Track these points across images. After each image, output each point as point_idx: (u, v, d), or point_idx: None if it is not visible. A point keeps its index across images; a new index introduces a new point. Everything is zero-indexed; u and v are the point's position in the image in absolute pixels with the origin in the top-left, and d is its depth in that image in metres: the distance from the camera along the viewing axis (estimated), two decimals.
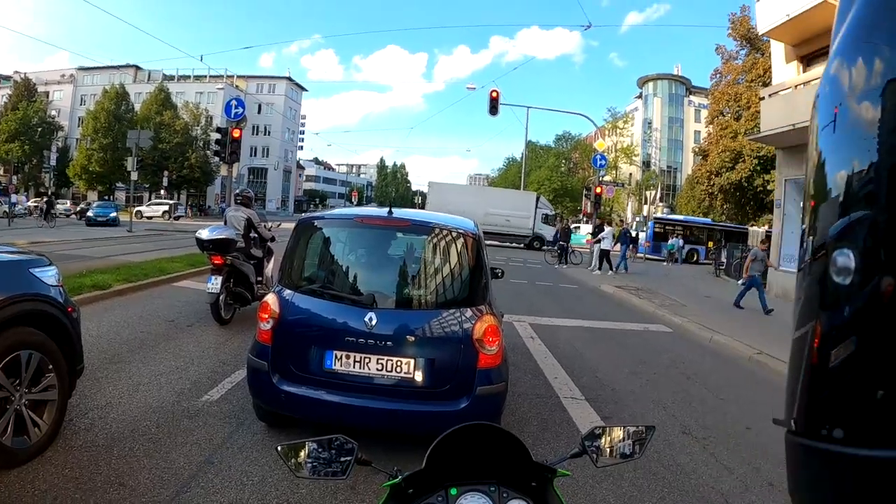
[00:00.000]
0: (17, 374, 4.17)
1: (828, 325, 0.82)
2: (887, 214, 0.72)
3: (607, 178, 48.13)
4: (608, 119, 66.50)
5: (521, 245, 41.90)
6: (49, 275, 4.72)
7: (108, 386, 5.95)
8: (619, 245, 25.69)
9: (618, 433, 1.73)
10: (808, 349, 0.86)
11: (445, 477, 1.54)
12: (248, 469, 4.40)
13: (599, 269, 23.96)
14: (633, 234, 34.96)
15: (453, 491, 1.50)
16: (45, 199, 43.27)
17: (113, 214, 37.37)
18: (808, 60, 19.24)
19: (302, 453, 1.60)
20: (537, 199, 44.78)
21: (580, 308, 14.45)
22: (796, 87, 17.80)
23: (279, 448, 1.61)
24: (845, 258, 0.75)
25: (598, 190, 28.71)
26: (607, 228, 24.88)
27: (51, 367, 4.46)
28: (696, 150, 51.77)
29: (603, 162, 31.70)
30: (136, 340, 7.82)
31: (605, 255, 24.28)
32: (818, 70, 17.48)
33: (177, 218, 49.76)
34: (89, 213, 40.21)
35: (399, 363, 4.50)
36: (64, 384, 4.62)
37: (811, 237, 0.85)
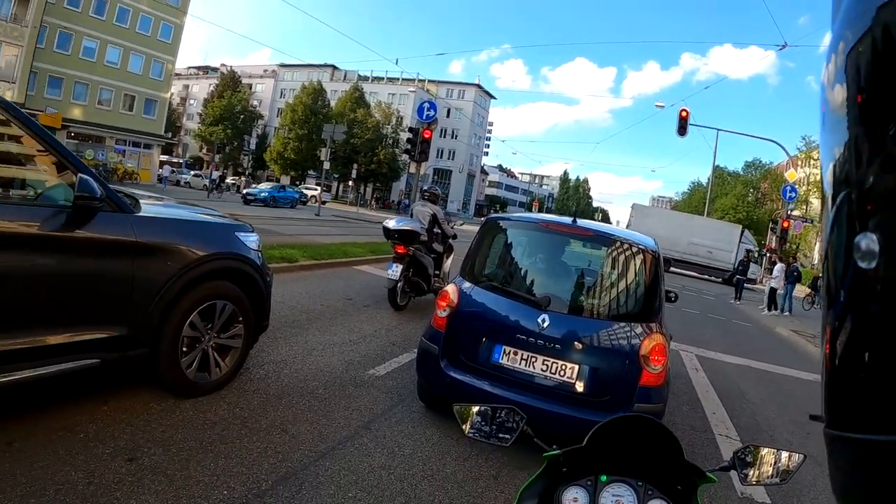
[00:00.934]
0: (210, 320, 4.75)
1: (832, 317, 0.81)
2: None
3: (796, 212, 44.87)
4: (802, 148, 60.85)
5: (720, 280, 39.79)
6: (251, 240, 5.30)
7: (284, 346, 6.51)
8: (784, 283, 23.62)
9: (769, 455, 1.69)
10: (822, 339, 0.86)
11: (599, 463, 1.59)
12: (401, 441, 4.64)
13: (768, 309, 22.38)
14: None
15: (603, 478, 1.55)
16: (242, 177, 48.59)
17: (263, 195, 39.95)
18: None
19: (474, 414, 1.74)
20: (741, 232, 42.39)
21: (750, 347, 13.60)
22: None
23: (456, 406, 1.76)
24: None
25: (785, 224, 27.05)
26: (779, 265, 23.09)
27: (240, 318, 5.02)
28: None
29: (793, 194, 29.82)
30: (315, 311, 8.44)
31: (773, 293, 22.70)
32: None
33: (323, 202, 52.89)
34: (245, 191, 43.76)
35: (563, 367, 4.54)
36: (249, 336, 5.18)
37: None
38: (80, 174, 3.68)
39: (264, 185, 46.40)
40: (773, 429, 7.19)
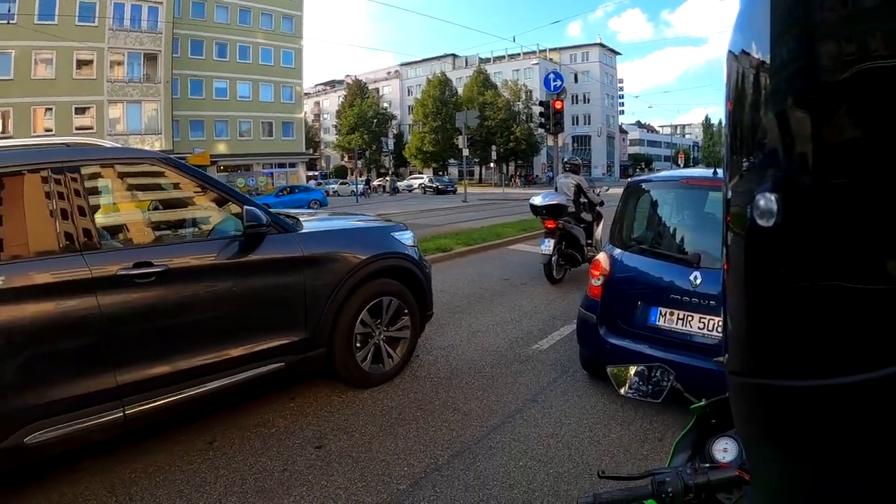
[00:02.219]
0: (379, 315, 5.20)
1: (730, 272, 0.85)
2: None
3: None
4: None
5: None
6: (406, 237, 5.69)
7: (450, 331, 6.86)
8: None
9: None
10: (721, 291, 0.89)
11: None
12: (568, 410, 4.78)
13: None
14: None
15: None
16: (387, 178, 51.42)
17: (399, 183, 40.63)
18: None
19: (628, 374, 1.88)
20: None
21: None
22: None
23: (610, 368, 1.90)
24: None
25: None
26: None
27: (406, 311, 5.42)
28: None
29: None
30: (475, 295, 8.75)
31: None
32: None
33: (394, 191, 54.95)
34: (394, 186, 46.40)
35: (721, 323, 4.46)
36: (416, 325, 5.56)
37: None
38: (245, 206, 4.23)
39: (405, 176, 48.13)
40: None
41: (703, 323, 4.50)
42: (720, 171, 5.01)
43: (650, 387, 1.81)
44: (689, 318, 4.54)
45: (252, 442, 4.19)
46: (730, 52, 0.77)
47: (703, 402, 1.65)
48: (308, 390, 5.07)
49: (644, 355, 4.59)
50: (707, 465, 1.42)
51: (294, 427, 4.42)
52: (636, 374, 1.84)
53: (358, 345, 5.02)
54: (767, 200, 0.69)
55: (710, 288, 4.47)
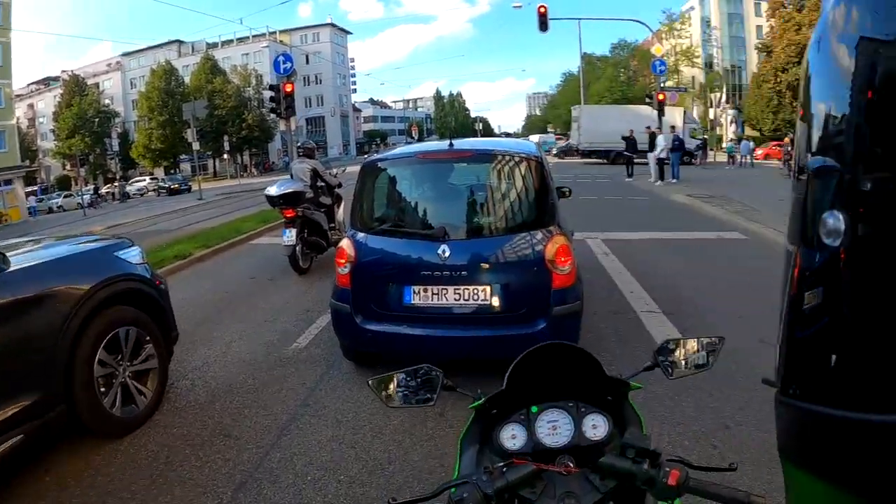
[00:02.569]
0: (118, 350, 4.51)
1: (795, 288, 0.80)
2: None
3: (669, 83, 46.43)
4: (664, 22, 63.31)
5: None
6: (133, 254, 5.05)
7: (202, 347, 6.31)
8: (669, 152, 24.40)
9: (690, 345, 1.77)
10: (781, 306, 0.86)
11: (526, 397, 1.62)
12: (342, 407, 4.66)
13: (661, 179, 23.36)
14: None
15: (534, 409, 1.59)
16: (116, 183, 46.96)
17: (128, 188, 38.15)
18: None
19: (392, 384, 1.71)
20: (684, 113, 43.40)
21: (652, 220, 14.26)
22: None
23: (370, 381, 1.72)
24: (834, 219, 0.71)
25: (661, 97, 27.60)
26: (660, 136, 23.94)
27: (148, 338, 4.80)
28: (760, 46, 49.22)
29: (663, 67, 30.72)
30: (223, 301, 8.21)
31: (661, 163, 23.56)
32: None
33: (124, 197, 52.27)
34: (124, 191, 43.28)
35: (475, 291, 4.59)
36: (162, 352, 4.96)
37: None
38: None
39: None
40: (690, 293, 7.57)
41: (459, 294, 4.61)
42: (457, 143, 5.12)
43: (419, 391, 1.70)
44: (444, 292, 4.63)
45: None
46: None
47: (482, 400, 1.61)
48: (63, 456, 4.19)
49: (405, 336, 4.66)
50: (502, 464, 1.36)
51: None
52: (400, 381, 1.71)
53: (102, 389, 4.30)
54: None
55: (460, 259, 4.59)
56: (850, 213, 0.65)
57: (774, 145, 46.46)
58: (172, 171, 69.02)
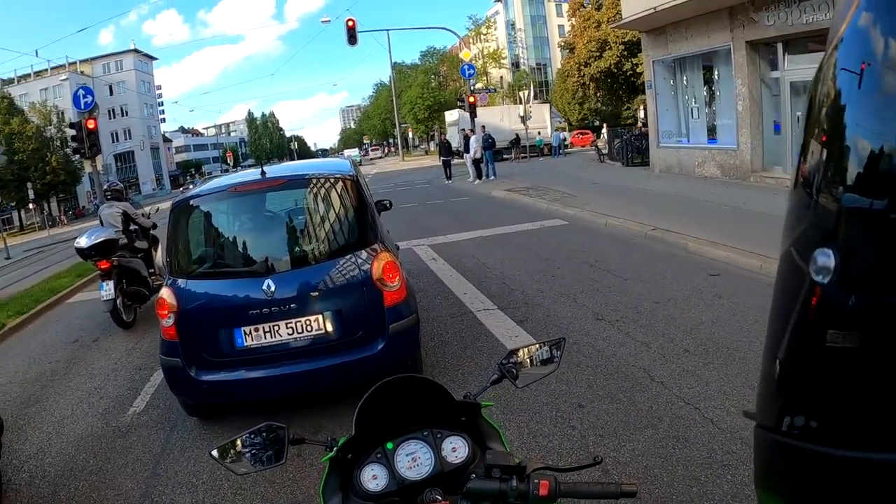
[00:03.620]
0: None
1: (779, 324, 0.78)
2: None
3: (479, 85, 48.17)
4: (470, 28, 66.05)
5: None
6: None
7: (33, 432, 5.64)
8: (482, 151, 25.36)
9: (533, 350, 1.84)
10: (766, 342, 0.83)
11: (379, 433, 1.61)
12: (195, 468, 4.41)
13: (479, 178, 24.21)
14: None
15: (389, 445, 1.58)
16: None
17: None
18: None
19: (237, 449, 1.63)
20: (550, 109, 44.93)
21: (475, 219, 14.66)
22: None
23: (213, 453, 1.63)
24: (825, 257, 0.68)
25: (471, 99, 28.54)
26: (473, 137, 24.89)
27: None
28: (563, 43, 52.15)
29: (471, 71, 31.67)
30: (46, 374, 7.39)
31: (477, 163, 24.49)
32: None
33: None
34: None
35: (308, 322, 4.53)
36: None
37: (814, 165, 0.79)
38: None
39: None
40: (521, 285, 7.89)
41: (291, 327, 4.55)
42: (269, 170, 5.03)
43: (266, 451, 1.62)
44: (276, 328, 4.54)
45: None
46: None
47: (334, 451, 1.59)
48: None
49: (245, 381, 4.54)
50: None
51: None
52: (245, 444, 1.64)
53: None
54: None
55: (287, 291, 4.52)
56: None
57: (577, 133, 49.86)
58: None
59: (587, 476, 3.10)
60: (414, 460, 1.55)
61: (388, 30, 49.87)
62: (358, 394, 1.65)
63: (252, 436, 1.63)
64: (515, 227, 12.89)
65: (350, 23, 27.50)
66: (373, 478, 1.53)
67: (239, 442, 1.64)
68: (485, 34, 67.51)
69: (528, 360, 1.83)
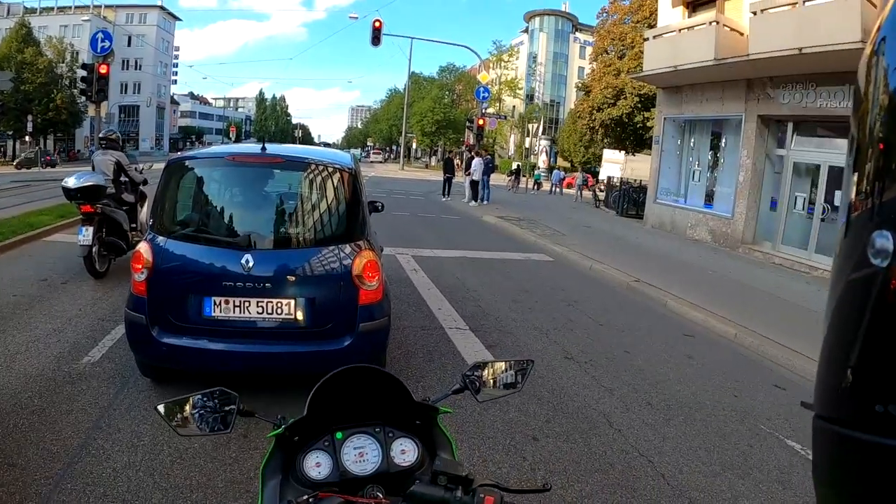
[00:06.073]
0: None
1: (839, 312, 0.78)
2: None
3: (490, 110, 48.49)
4: (493, 52, 66.34)
5: None
6: None
7: None
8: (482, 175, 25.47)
9: (499, 367, 1.81)
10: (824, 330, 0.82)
11: (330, 421, 1.57)
12: (138, 429, 4.32)
13: (474, 201, 24.25)
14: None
15: (339, 435, 1.54)
16: None
17: None
18: (693, 7, 19.77)
19: (184, 410, 1.60)
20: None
21: (463, 239, 14.68)
22: (680, 31, 18.27)
23: (159, 407, 1.60)
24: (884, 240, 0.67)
25: (481, 122, 28.77)
26: (476, 159, 24.96)
27: None
28: (580, 85, 52.35)
29: (486, 94, 31.91)
30: (8, 306, 7.22)
31: (474, 185, 24.55)
32: (703, 16, 18.15)
33: None
34: None
35: (279, 304, 4.48)
36: None
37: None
38: None
39: None
40: (497, 311, 7.89)
41: (262, 307, 4.49)
42: (270, 147, 4.98)
43: (214, 417, 1.60)
44: (247, 304, 4.49)
45: None
46: None
47: (281, 429, 1.55)
48: None
49: (205, 351, 4.47)
50: (307, 496, 1.34)
51: None
52: (194, 406, 1.60)
53: None
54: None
55: (265, 270, 4.48)
56: None
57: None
58: None
59: (534, 502, 3.07)
60: (361, 455, 1.52)
61: (412, 38, 50.11)
62: (313, 385, 1.60)
63: (203, 398, 1.60)
64: (501, 254, 12.93)
65: (377, 23, 27.56)
66: (316, 465, 1.50)
67: (188, 403, 1.60)
68: (506, 62, 67.96)
69: (492, 376, 1.80)
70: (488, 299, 8.52)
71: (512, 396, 4.88)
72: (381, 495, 1.41)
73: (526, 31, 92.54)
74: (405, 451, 1.54)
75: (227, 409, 1.59)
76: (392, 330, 5.10)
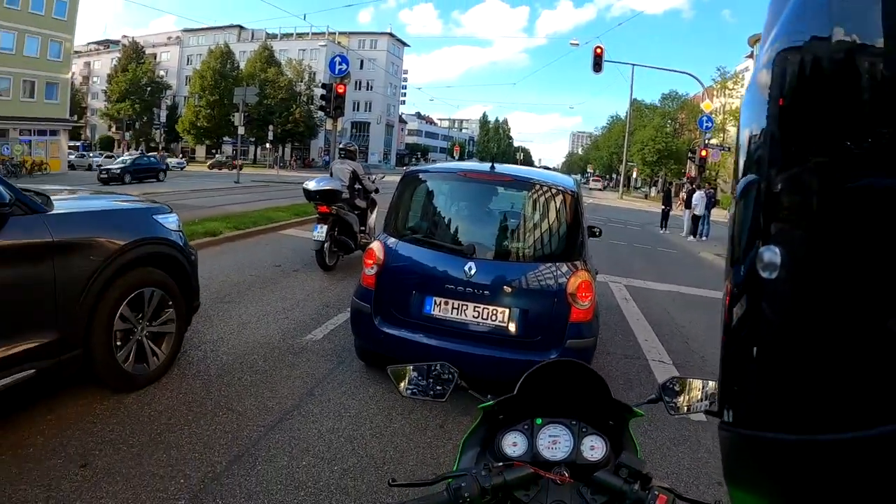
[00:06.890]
0: (140, 309, 4.62)
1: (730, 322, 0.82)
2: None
3: (714, 140, 46.20)
4: (717, 79, 62.60)
5: None
6: (170, 220, 5.17)
7: (219, 323, 6.42)
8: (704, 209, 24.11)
9: (696, 385, 1.81)
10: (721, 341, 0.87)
11: (533, 408, 1.66)
12: (346, 402, 4.72)
13: (693, 236, 23.18)
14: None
15: (538, 421, 1.62)
16: (158, 153, 47.45)
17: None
18: None
19: (408, 375, 1.78)
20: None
21: (677, 273, 14.08)
22: None
23: (389, 368, 1.80)
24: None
25: (704, 153, 27.49)
26: (698, 193, 23.88)
27: (170, 303, 4.91)
28: None
29: (709, 124, 30.51)
30: (245, 283, 8.30)
31: (695, 219, 23.45)
32: None
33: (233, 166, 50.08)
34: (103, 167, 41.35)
35: (494, 312, 4.65)
36: (181, 319, 5.08)
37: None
38: None
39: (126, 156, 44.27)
40: (703, 350, 7.52)
41: (478, 312, 4.68)
42: (498, 167, 5.22)
43: (432, 385, 1.75)
44: (464, 308, 4.69)
45: (8, 466, 3.47)
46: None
47: (490, 402, 1.66)
48: (68, 399, 4.32)
49: (420, 344, 4.70)
50: (501, 463, 1.43)
51: (55, 444, 3.75)
52: (416, 371, 1.78)
53: (118, 343, 4.40)
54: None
55: (484, 278, 4.65)
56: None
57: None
58: (214, 151, 70.43)
59: None
60: (554, 442, 1.58)
61: (633, 64, 49.07)
62: (500, 392, 1.71)
63: (426, 368, 1.77)
64: (716, 293, 12.24)
65: (598, 50, 27.32)
66: (513, 444, 1.58)
67: (414, 369, 1.78)
68: (731, 89, 64.22)
69: (687, 392, 1.82)
70: (696, 337, 8.15)
71: (704, 436, 4.72)
72: (566, 474, 1.47)
73: (751, 55, 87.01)
74: (594, 448, 1.58)
75: (446, 381, 1.75)
76: (596, 353, 5.09)
